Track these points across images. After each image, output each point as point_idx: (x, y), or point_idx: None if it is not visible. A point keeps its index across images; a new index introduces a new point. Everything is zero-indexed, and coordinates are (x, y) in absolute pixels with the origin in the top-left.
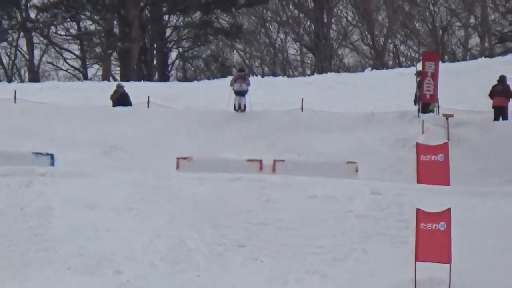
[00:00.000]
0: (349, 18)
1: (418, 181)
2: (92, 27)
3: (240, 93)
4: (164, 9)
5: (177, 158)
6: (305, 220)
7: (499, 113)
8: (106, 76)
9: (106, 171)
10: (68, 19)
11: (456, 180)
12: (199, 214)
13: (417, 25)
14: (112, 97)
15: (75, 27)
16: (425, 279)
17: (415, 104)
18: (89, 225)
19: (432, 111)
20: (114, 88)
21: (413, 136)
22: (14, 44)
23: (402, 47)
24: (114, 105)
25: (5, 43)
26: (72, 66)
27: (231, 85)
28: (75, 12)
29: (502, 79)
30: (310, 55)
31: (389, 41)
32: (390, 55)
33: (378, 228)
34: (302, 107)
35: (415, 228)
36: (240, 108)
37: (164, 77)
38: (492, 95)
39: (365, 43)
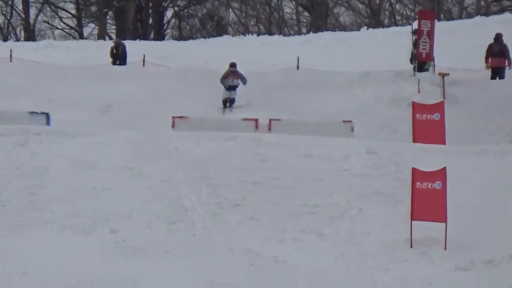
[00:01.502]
0: None
1: (414, 140)
2: None
3: (231, 87)
4: None
5: (173, 117)
6: (301, 179)
7: (497, 73)
8: (102, 35)
9: (101, 131)
10: None
11: (452, 139)
12: (195, 173)
13: None
14: (111, 53)
15: None
16: (421, 238)
17: (411, 63)
18: (85, 184)
19: (427, 69)
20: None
21: (409, 95)
22: (9, 3)
23: (398, 6)
24: (114, 63)
25: (0, 2)
26: (67, 25)
27: (221, 82)
28: None
29: (498, 38)
30: (306, 13)
31: None
32: (386, 14)
33: (374, 187)
34: (298, 66)
35: (411, 187)
36: (228, 104)
37: (160, 36)
38: (488, 55)
39: (361, 2)
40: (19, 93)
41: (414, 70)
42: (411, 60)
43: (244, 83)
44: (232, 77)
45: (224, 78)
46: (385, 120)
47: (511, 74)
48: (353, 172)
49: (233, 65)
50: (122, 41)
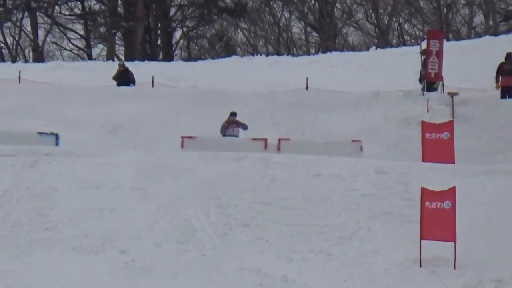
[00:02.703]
0: None
1: (423, 160)
2: (97, 7)
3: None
4: None
5: (182, 137)
6: (310, 199)
7: (506, 92)
8: (111, 56)
9: (110, 151)
10: None
11: (461, 158)
12: (204, 193)
13: (421, 3)
14: (115, 76)
15: (79, 6)
16: (430, 257)
17: (420, 83)
18: (94, 205)
19: (436, 89)
20: (117, 67)
21: (418, 114)
22: (18, 24)
23: (406, 26)
24: (118, 84)
25: (9, 23)
26: (76, 46)
27: (221, 133)
28: None
29: (509, 57)
30: (315, 34)
31: (394, 19)
32: (394, 34)
33: (383, 206)
34: (306, 86)
35: (420, 206)
36: None
37: (169, 57)
38: (499, 73)
39: (370, 22)
40: (28, 113)
41: (423, 90)
42: (420, 80)
43: (245, 129)
44: (232, 126)
45: (224, 128)
46: (394, 139)
47: None
48: (362, 192)
49: (233, 114)
50: (123, 63)
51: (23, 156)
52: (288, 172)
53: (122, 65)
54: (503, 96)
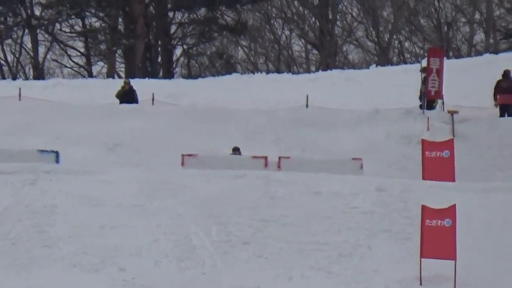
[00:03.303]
0: (354, 14)
1: (423, 178)
2: (97, 24)
3: None
4: (169, 5)
5: (182, 155)
6: (310, 217)
7: (505, 110)
8: (111, 73)
9: (111, 168)
10: (73, 16)
11: (461, 176)
12: (204, 211)
13: (422, 21)
14: (118, 94)
15: (80, 24)
16: (430, 275)
17: (420, 101)
18: (94, 222)
19: (434, 107)
20: (122, 84)
21: (418, 132)
22: (18, 41)
23: (407, 44)
24: (120, 102)
25: (9, 40)
26: (76, 64)
27: None
28: (80, 9)
29: (506, 74)
30: (315, 51)
31: (394, 37)
32: (395, 52)
33: (383, 224)
34: (307, 103)
35: (420, 224)
36: None
37: (169, 74)
38: (497, 91)
39: (370, 40)
40: (28, 131)
41: (422, 107)
42: (420, 98)
43: None
44: None
45: None
46: (394, 157)
47: None
48: (362, 210)
49: (236, 149)
50: (129, 81)
51: (23, 173)
52: (288, 190)
53: (127, 83)
54: (501, 114)
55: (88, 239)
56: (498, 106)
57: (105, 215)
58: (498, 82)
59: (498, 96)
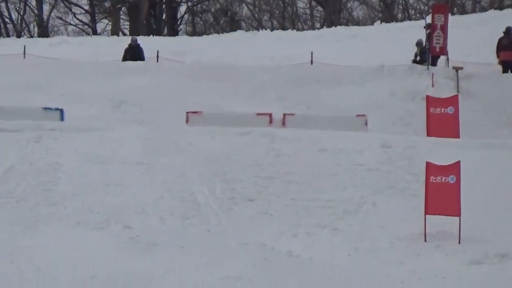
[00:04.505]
0: None
1: (428, 134)
2: None
3: None
4: None
5: (187, 112)
6: (315, 174)
7: (507, 67)
8: (115, 31)
9: (115, 126)
10: None
11: (466, 132)
12: (209, 168)
13: None
14: (125, 50)
15: None
16: (435, 232)
17: (415, 57)
18: (99, 180)
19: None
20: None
21: (422, 89)
22: None
23: (411, 0)
24: (127, 58)
25: None
26: (81, 21)
27: None
28: None
29: (508, 31)
30: (320, 8)
31: None
32: (399, 8)
33: (388, 181)
34: (311, 60)
35: (424, 181)
36: None
37: (173, 32)
38: (499, 49)
39: None
40: (32, 89)
41: (428, 64)
42: (416, 54)
43: None
44: None
45: None
46: (399, 114)
47: None
48: (367, 167)
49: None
50: (135, 38)
51: (28, 131)
52: (293, 147)
53: (135, 40)
54: (504, 70)
55: (93, 196)
56: (501, 63)
57: (110, 173)
58: (500, 40)
59: (500, 53)
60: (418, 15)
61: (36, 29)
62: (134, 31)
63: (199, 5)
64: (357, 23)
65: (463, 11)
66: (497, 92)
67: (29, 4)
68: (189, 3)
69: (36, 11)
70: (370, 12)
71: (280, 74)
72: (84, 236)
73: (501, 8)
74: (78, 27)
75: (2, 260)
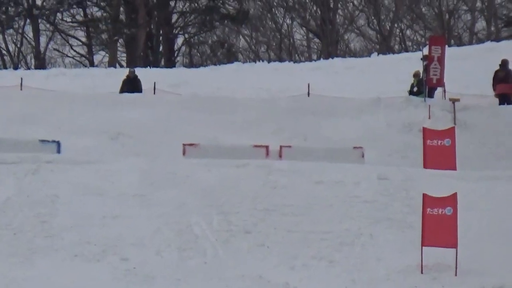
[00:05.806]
0: (355, 3)
1: (425, 166)
2: (99, 14)
3: None
4: None
5: (184, 145)
6: (311, 206)
7: (503, 100)
8: (113, 62)
9: (112, 158)
10: (74, 6)
11: (462, 164)
12: (206, 201)
13: (423, 9)
14: (123, 81)
15: (81, 13)
16: (432, 264)
17: (412, 88)
18: (96, 212)
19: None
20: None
21: (419, 120)
22: (20, 31)
23: (408, 32)
24: (124, 90)
25: (11, 30)
26: (78, 53)
27: None
28: None
29: (504, 64)
30: (317, 40)
31: (396, 25)
32: (396, 40)
33: (385, 213)
34: (308, 92)
35: (421, 213)
36: None
37: (170, 63)
38: (495, 81)
39: (371, 28)
40: (29, 121)
41: (410, 94)
42: (412, 86)
43: None
44: None
45: None
46: (396, 146)
47: None
48: (363, 198)
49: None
50: (133, 70)
51: (25, 163)
52: (289, 179)
53: (132, 72)
54: (501, 103)
55: (90, 229)
56: (497, 96)
57: (107, 205)
58: (496, 72)
59: (496, 86)
60: (415, 46)
61: (33, 61)
62: (131, 63)
63: (196, 37)
64: (354, 54)
65: (460, 43)
66: (494, 124)
67: (26, 36)
68: (186, 35)
69: (33, 43)
70: (367, 44)
71: (277, 106)
72: (81, 268)
73: (498, 39)
74: (75, 59)
75: None
